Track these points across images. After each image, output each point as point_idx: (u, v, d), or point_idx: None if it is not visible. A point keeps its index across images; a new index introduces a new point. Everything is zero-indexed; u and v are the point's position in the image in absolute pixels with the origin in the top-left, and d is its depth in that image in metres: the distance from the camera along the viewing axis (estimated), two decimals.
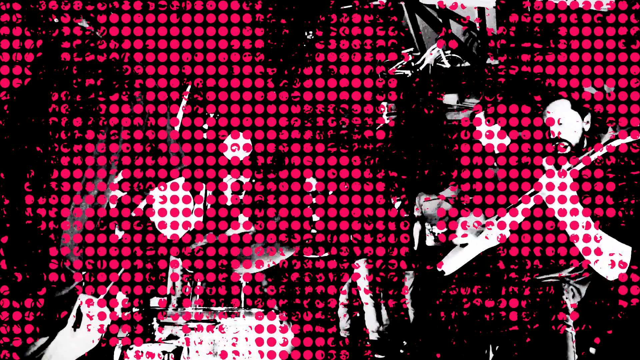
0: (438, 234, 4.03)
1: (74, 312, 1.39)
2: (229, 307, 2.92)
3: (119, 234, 1.68)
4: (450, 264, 2.59)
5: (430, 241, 4.02)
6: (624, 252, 2.22)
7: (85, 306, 1.44)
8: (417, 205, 4.23)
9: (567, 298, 2.47)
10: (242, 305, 3.05)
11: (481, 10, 4.65)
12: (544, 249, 2.39)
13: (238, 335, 2.59)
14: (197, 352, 2.52)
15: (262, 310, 2.79)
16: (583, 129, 2.56)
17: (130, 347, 2.41)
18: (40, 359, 1.36)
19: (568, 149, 2.54)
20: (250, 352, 2.57)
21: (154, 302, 3.37)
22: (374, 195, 4.16)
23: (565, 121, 2.56)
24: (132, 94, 1.50)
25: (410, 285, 4.13)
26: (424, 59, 6.61)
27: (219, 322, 2.58)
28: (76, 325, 1.40)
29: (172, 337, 2.54)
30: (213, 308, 2.93)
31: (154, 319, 2.56)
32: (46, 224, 1.40)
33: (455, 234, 2.84)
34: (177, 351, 2.49)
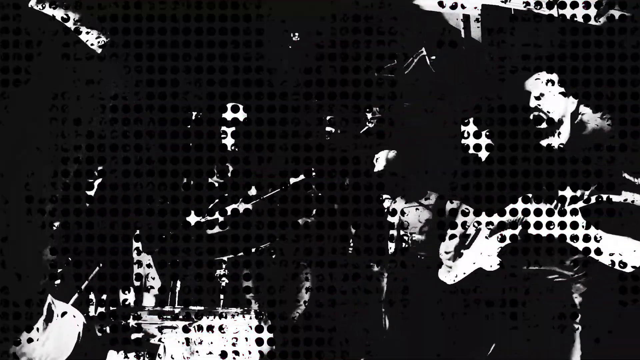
0: (416, 241, 3.99)
1: (45, 307, 1.39)
2: (208, 308, 2.90)
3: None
4: (453, 274, 2.60)
5: (404, 246, 3.98)
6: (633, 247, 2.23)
7: (57, 303, 1.44)
8: (397, 211, 4.20)
9: (575, 297, 2.48)
10: (222, 305, 3.03)
11: (466, 17, 4.64)
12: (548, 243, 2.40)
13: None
14: (171, 354, 2.52)
15: (241, 310, 2.79)
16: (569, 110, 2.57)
17: (107, 344, 2.41)
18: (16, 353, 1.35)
19: (544, 125, 2.55)
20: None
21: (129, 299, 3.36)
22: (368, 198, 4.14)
23: (547, 94, 2.57)
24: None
25: (385, 291, 4.10)
26: (409, 63, 6.56)
27: (196, 321, 2.58)
28: (48, 320, 1.40)
29: (148, 335, 2.54)
30: (192, 307, 2.91)
31: (131, 317, 2.55)
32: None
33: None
34: (153, 350, 2.49)
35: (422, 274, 3.23)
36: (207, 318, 2.63)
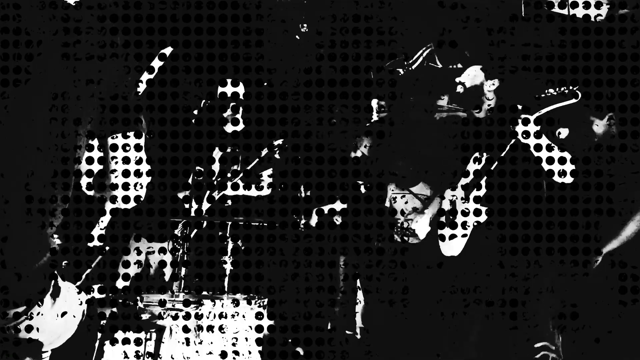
0: (406, 230, 3.97)
1: (52, 283, 1.39)
2: (214, 293, 2.92)
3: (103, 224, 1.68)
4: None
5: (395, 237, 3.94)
6: None
7: (64, 282, 1.44)
8: (386, 198, 4.15)
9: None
10: (227, 291, 3.04)
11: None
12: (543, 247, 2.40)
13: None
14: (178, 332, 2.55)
15: (246, 297, 2.81)
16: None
17: (113, 327, 2.43)
18: (25, 326, 1.36)
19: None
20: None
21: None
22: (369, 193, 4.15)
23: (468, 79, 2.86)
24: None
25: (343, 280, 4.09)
26: (416, 58, 6.51)
27: (204, 304, 2.60)
28: (55, 295, 1.40)
29: (155, 317, 2.56)
30: (196, 293, 2.93)
31: (138, 300, 2.58)
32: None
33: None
34: (160, 332, 2.51)
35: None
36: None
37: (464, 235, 2.64)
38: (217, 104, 3.59)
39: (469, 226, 2.71)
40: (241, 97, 3.59)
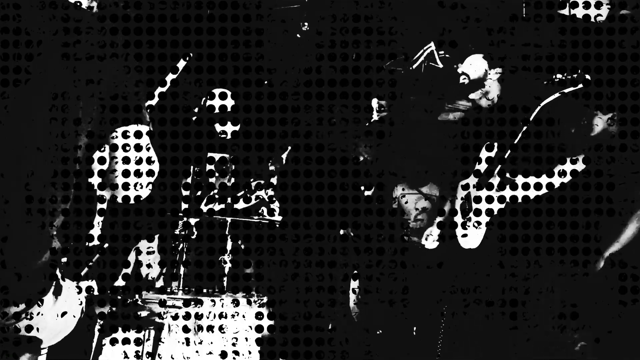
0: (412, 230, 3.97)
1: (54, 282, 1.39)
2: (212, 291, 2.93)
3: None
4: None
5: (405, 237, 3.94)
6: None
7: (65, 282, 1.45)
8: (394, 198, 4.15)
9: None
10: (225, 289, 3.05)
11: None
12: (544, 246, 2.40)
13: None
14: (176, 332, 2.55)
15: (244, 295, 2.82)
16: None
17: (111, 325, 2.43)
18: (24, 325, 1.36)
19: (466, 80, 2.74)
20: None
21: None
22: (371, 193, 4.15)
23: (471, 69, 2.88)
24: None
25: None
26: (417, 57, 6.50)
27: (203, 302, 2.61)
28: (57, 293, 1.40)
29: (154, 314, 2.56)
30: (196, 292, 2.94)
31: (137, 297, 2.59)
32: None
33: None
34: (159, 330, 2.52)
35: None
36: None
37: (482, 224, 2.65)
38: (216, 104, 3.59)
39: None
40: (233, 105, 3.60)
